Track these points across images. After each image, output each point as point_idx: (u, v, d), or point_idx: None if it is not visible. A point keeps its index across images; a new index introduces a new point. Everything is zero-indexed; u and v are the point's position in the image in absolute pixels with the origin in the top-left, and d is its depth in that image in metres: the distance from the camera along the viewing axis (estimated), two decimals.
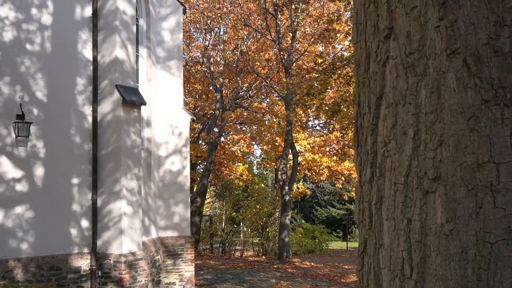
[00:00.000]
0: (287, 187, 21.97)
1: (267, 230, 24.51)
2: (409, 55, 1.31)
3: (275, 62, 23.12)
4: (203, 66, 23.43)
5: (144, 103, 11.00)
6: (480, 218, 1.21)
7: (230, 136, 29.39)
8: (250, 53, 23.43)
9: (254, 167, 34.65)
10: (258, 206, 23.48)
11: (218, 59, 24.09)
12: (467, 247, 1.22)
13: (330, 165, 25.95)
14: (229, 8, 21.70)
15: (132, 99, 10.50)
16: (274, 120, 26.51)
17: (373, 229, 1.43)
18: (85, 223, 10.28)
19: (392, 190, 1.35)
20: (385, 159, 1.37)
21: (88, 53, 10.59)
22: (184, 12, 14.85)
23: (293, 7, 19.99)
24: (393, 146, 1.34)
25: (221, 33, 24.55)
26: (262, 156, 31.28)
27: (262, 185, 28.98)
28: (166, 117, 13.33)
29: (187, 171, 13.58)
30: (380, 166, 1.39)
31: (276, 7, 20.19)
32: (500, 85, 1.21)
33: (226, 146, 28.74)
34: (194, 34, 25.49)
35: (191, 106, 26.14)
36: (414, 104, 1.30)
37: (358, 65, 1.52)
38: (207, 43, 24.47)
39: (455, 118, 1.24)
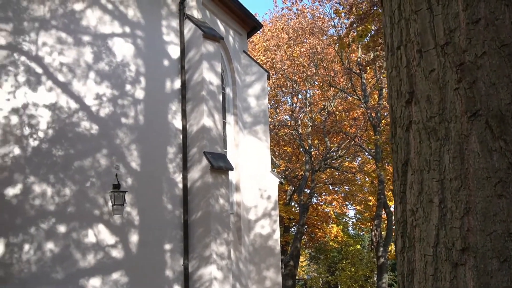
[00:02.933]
0: (382, 249, 21.11)
1: None
2: (430, 119, 1.26)
3: (363, 121, 22.90)
4: (291, 128, 23.71)
5: (232, 169, 11.24)
6: None
7: (323, 197, 29.05)
8: (337, 113, 23.42)
9: (350, 228, 33.79)
10: (353, 269, 22.70)
11: (306, 120, 24.30)
12: None
13: None
14: (314, 71, 22.03)
15: (219, 165, 10.78)
16: (366, 179, 25.93)
17: None
18: None
19: (422, 262, 1.26)
20: (414, 229, 1.29)
21: (177, 123, 11.11)
22: (269, 78, 15.28)
23: (377, 64, 19.91)
24: (421, 215, 1.27)
25: (308, 95, 24.88)
26: (357, 216, 30.49)
27: (358, 246, 28.07)
28: (255, 181, 13.50)
29: (277, 235, 13.53)
30: (409, 236, 1.31)
31: (360, 67, 20.22)
32: None
33: (319, 207, 28.38)
34: (282, 98, 26.03)
35: (282, 168, 26.32)
36: (438, 170, 1.23)
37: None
38: (294, 105, 24.85)
39: (481, 184, 1.15)
